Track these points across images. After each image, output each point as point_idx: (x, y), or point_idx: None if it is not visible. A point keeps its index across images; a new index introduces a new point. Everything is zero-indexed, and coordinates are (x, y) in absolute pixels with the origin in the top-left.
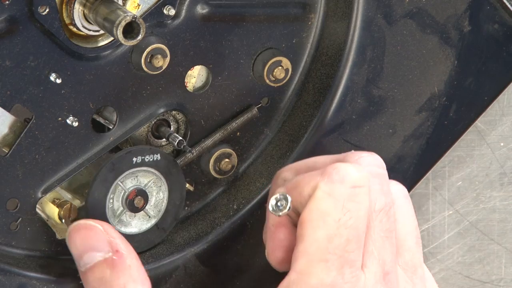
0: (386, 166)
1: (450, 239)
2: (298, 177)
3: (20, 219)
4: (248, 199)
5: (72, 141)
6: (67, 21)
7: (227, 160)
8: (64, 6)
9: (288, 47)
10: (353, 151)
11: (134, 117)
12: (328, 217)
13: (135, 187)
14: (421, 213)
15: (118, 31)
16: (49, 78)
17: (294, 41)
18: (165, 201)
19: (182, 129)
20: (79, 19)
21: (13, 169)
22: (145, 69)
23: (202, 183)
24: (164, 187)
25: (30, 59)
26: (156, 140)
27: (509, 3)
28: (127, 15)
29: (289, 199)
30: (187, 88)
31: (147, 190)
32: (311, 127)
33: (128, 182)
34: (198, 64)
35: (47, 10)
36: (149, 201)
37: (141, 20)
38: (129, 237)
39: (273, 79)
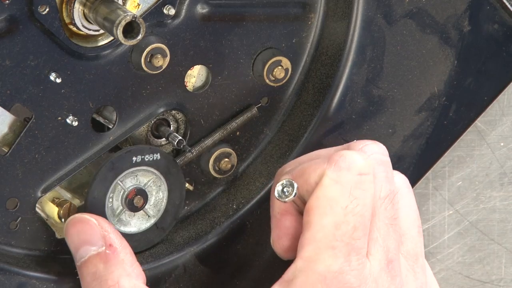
0: None
1: (450, 239)
2: (304, 164)
3: (20, 218)
4: (247, 198)
5: (72, 141)
6: (67, 20)
7: (226, 159)
8: (64, 6)
9: (288, 47)
10: (356, 140)
11: (134, 116)
12: (335, 204)
13: (135, 186)
14: (421, 213)
15: (118, 30)
16: (49, 77)
17: (294, 41)
18: (165, 201)
19: (182, 129)
20: (79, 18)
21: (13, 168)
22: (145, 68)
23: (202, 183)
24: (164, 186)
25: (30, 58)
26: (156, 139)
27: (509, 3)
28: (127, 14)
29: (295, 185)
30: (187, 88)
31: (146, 189)
32: (311, 127)
33: (127, 182)
34: (198, 64)
35: (47, 9)
36: (148, 201)
37: (141, 19)
38: (129, 237)
39: (273, 78)
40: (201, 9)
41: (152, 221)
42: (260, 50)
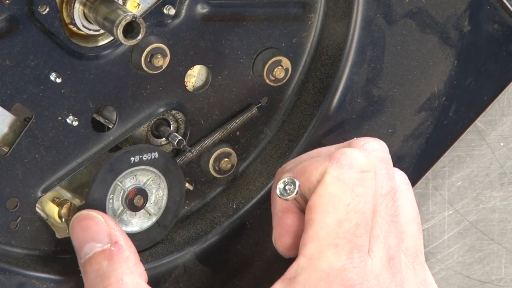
0: None
1: (450, 239)
2: (305, 162)
3: (20, 218)
4: (247, 198)
5: (72, 141)
6: (67, 20)
7: (226, 159)
8: (64, 6)
9: (288, 47)
10: (356, 138)
11: (134, 116)
12: (337, 202)
13: (134, 186)
14: (421, 213)
15: (118, 30)
16: (49, 77)
17: (294, 41)
18: (165, 198)
19: (182, 129)
20: (79, 18)
21: (13, 168)
22: (145, 68)
23: (202, 183)
24: (163, 184)
25: (30, 58)
26: (156, 139)
27: (509, 3)
28: (127, 14)
29: (297, 183)
30: (187, 88)
31: (146, 188)
32: (311, 126)
33: (127, 182)
34: (198, 64)
35: (47, 9)
36: (149, 199)
37: (141, 19)
38: (131, 236)
39: (273, 78)
40: (201, 9)
41: (154, 219)
42: (260, 50)
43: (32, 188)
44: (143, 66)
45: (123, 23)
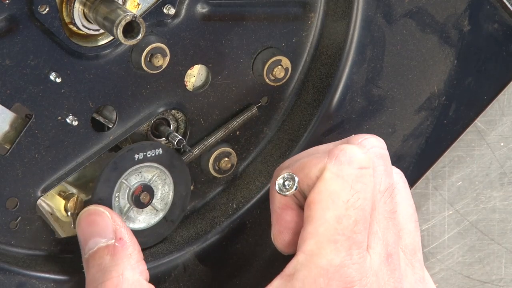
0: None
1: (450, 239)
2: (304, 159)
3: (20, 218)
4: (247, 198)
5: (72, 140)
6: (67, 20)
7: (226, 159)
8: (64, 5)
9: (288, 46)
10: (354, 135)
11: (134, 116)
12: (337, 198)
13: (140, 183)
14: (421, 213)
15: (118, 30)
16: (49, 77)
17: (294, 40)
18: (171, 194)
19: (182, 128)
20: (79, 18)
21: (13, 168)
22: (145, 68)
23: (202, 182)
24: (169, 180)
25: (30, 58)
26: (155, 139)
27: (509, 3)
28: (127, 14)
29: (296, 179)
30: (187, 87)
31: (152, 184)
32: (311, 126)
33: (132, 179)
34: (198, 63)
35: (47, 9)
36: (155, 195)
37: (141, 19)
38: (138, 233)
39: (273, 78)
40: (201, 9)
41: (161, 215)
42: (260, 49)
43: (32, 187)
44: (143, 65)
45: (123, 23)
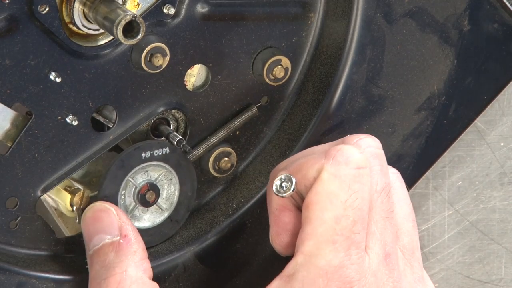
0: None
1: (450, 239)
2: (301, 160)
3: (20, 217)
4: (247, 198)
5: (72, 140)
6: (67, 20)
7: (226, 159)
8: (64, 5)
9: (287, 46)
10: (349, 135)
11: (134, 116)
12: (335, 199)
13: (146, 181)
14: (421, 213)
15: (118, 30)
16: (49, 77)
17: (293, 40)
18: (177, 193)
19: (182, 128)
20: (79, 18)
21: (13, 167)
22: (144, 68)
23: (202, 182)
24: (175, 179)
25: (30, 58)
26: (155, 139)
27: (509, 3)
28: (127, 14)
29: (294, 180)
30: (187, 87)
31: (158, 183)
32: (311, 126)
33: (138, 177)
34: (198, 63)
35: (47, 9)
36: (160, 195)
37: (141, 19)
38: (143, 231)
39: (273, 78)
40: (201, 9)
41: (166, 214)
42: (260, 49)
43: (32, 187)
44: (143, 65)
45: (123, 22)
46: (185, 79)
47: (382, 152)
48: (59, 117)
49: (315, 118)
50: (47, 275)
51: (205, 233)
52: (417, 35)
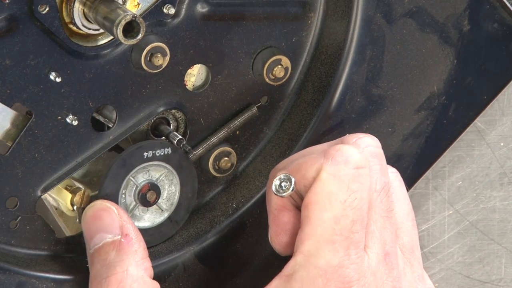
0: None
1: (450, 239)
2: (300, 160)
3: (20, 217)
4: (247, 197)
5: (72, 140)
6: (67, 20)
7: (226, 158)
8: (64, 5)
9: (287, 46)
10: (348, 134)
11: (134, 115)
12: (334, 199)
13: (147, 181)
14: (421, 213)
15: (118, 30)
16: (49, 77)
17: (293, 40)
18: (177, 194)
19: (182, 128)
20: (79, 18)
21: (13, 167)
22: (144, 67)
23: (202, 182)
24: (176, 180)
25: (30, 58)
26: (156, 138)
27: (509, 2)
28: (127, 14)
29: (293, 179)
30: (187, 87)
31: (159, 184)
32: (311, 126)
33: (139, 177)
34: (198, 63)
35: (47, 9)
36: (161, 195)
37: (141, 19)
38: (143, 231)
39: (273, 77)
40: (201, 8)
41: (166, 215)
42: (260, 49)
43: (31, 187)
44: (143, 65)
45: (123, 22)
46: (185, 79)
47: (381, 151)
48: (59, 117)
49: (315, 118)
50: (47, 275)
51: (205, 233)
52: (417, 35)
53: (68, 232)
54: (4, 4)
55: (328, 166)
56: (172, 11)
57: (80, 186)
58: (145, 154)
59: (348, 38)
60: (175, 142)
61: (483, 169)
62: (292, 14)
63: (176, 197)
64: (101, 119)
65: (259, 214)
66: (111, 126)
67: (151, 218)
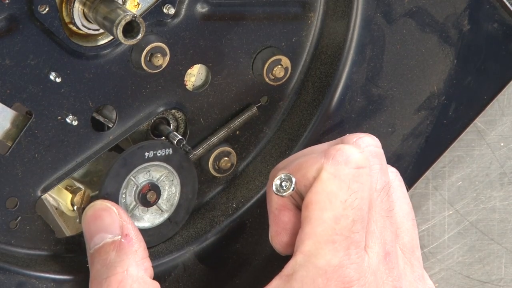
0: None
1: (450, 239)
2: (300, 159)
3: (20, 217)
4: (247, 197)
5: (72, 140)
6: (67, 20)
7: (226, 158)
8: (64, 5)
9: (287, 46)
10: (348, 134)
11: (134, 115)
12: (334, 199)
13: (148, 181)
14: (421, 213)
15: (118, 30)
16: (49, 77)
17: (293, 40)
18: (178, 195)
19: (182, 128)
20: (79, 18)
21: (13, 167)
22: (144, 67)
23: (202, 182)
24: (176, 181)
25: (30, 58)
26: (155, 138)
27: (509, 2)
28: (127, 14)
29: (293, 179)
30: (187, 87)
31: (159, 184)
32: (311, 125)
33: (140, 177)
34: (198, 63)
35: (47, 9)
36: (161, 196)
37: (141, 19)
38: (142, 232)
39: (273, 77)
40: (201, 8)
41: (166, 215)
42: (259, 49)
43: (31, 187)
44: (143, 65)
45: (123, 22)
46: (185, 79)
47: (382, 151)
48: (59, 117)
49: (315, 118)
50: (47, 275)
51: (205, 233)
52: (417, 35)
53: (68, 232)
54: (4, 4)
55: (328, 166)
56: (172, 11)
57: (81, 186)
58: (146, 154)
59: (348, 38)
60: (175, 142)
61: (483, 169)
62: (292, 14)
63: (176, 198)
64: (101, 119)
65: (259, 214)
66: (111, 126)
67: (151, 218)
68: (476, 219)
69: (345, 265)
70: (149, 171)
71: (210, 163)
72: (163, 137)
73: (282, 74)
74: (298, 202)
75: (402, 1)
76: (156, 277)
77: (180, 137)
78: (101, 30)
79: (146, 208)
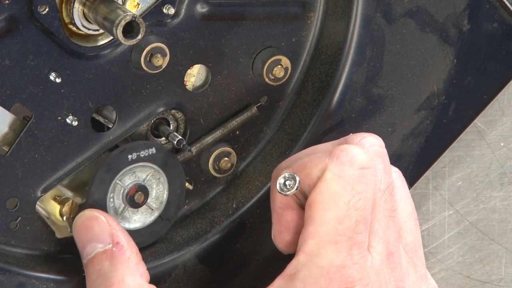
0: None
1: (450, 239)
2: (304, 159)
3: (20, 218)
4: (247, 197)
5: (72, 140)
6: (66, 20)
7: (226, 158)
8: (63, 6)
9: (287, 46)
10: (352, 134)
11: (134, 116)
12: (338, 199)
13: (134, 183)
14: (421, 213)
15: (118, 30)
16: (49, 77)
17: (293, 40)
18: (166, 192)
19: (182, 128)
20: (78, 18)
21: (13, 168)
22: (144, 68)
23: (202, 182)
24: (163, 178)
25: (29, 58)
26: (155, 139)
27: (509, 2)
28: (127, 14)
29: (297, 178)
30: (187, 87)
31: (146, 184)
32: (311, 125)
33: (126, 179)
34: (198, 63)
35: (47, 9)
36: (150, 195)
37: (141, 19)
38: (134, 232)
39: (273, 77)
40: (201, 9)
41: (156, 213)
42: (259, 49)
43: (31, 188)
44: (143, 65)
45: (123, 23)
46: (185, 79)
47: (385, 151)
48: (59, 118)
49: (315, 118)
50: (47, 275)
51: (205, 233)
52: (417, 35)
53: (62, 236)
54: (4, 4)
55: (333, 166)
56: (172, 11)
57: (69, 193)
58: (130, 156)
59: (348, 38)
60: (175, 142)
61: (483, 169)
62: (292, 14)
63: (165, 195)
64: (101, 119)
65: (259, 214)
66: (111, 126)
67: (141, 218)
68: (476, 219)
69: (348, 266)
70: (134, 172)
71: (210, 163)
72: (163, 138)
73: (282, 74)
74: (302, 201)
75: (402, 1)
76: (156, 277)
77: (180, 137)
78: (101, 31)
79: (135, 209)
